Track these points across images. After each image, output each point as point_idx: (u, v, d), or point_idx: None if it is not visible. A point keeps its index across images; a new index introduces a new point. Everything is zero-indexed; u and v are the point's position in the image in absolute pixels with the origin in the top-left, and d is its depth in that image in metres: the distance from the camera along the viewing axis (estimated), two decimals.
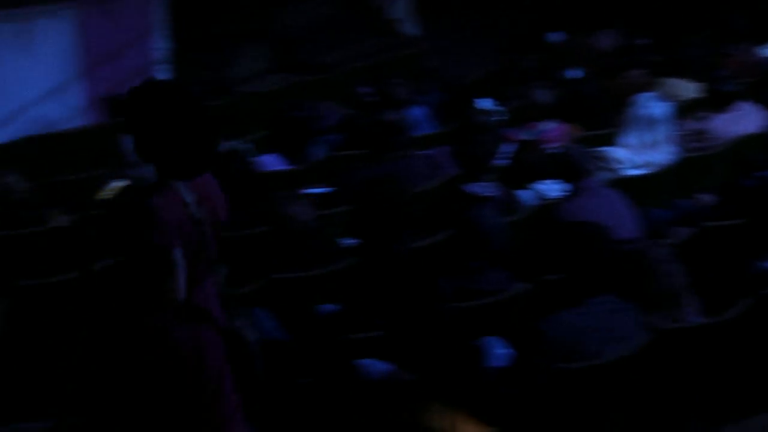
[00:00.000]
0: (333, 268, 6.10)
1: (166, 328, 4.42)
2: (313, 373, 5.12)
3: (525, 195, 7.31)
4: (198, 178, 4.48)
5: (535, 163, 7.55)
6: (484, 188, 6.87)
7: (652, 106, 8.38)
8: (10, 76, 10.71)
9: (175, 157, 4.40)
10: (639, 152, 8.30)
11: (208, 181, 4.57)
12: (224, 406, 4.59)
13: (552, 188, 7.31)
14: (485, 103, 8.82)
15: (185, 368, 4.47)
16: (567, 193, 7.02)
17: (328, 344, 5.37)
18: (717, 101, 8.91)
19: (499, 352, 5.18)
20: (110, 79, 11.25)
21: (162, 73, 11.61)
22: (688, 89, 9.62)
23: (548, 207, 7.02)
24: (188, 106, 4.40)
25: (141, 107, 4.39)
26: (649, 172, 8.08)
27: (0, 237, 6.88)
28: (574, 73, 10.20)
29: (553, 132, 8.62)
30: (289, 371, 5.00)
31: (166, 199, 4.35)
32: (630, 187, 7.37)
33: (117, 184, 7.46)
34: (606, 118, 8.76)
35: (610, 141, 8.31)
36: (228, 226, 6.17)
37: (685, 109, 8.90)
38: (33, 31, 10.87)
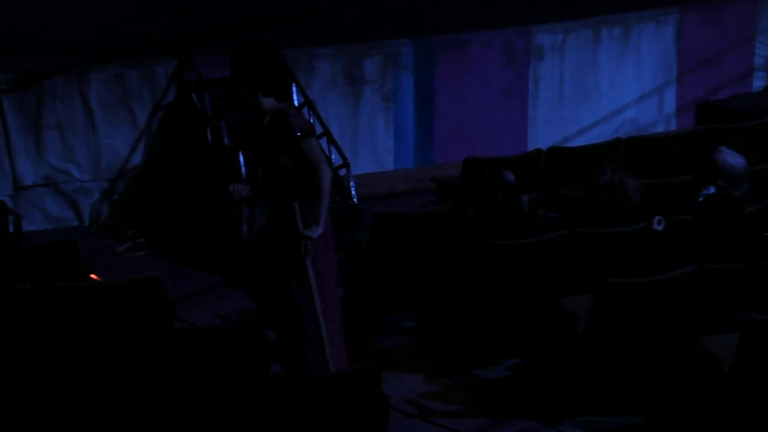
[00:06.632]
0: None
1: None
2: None
3: None
4: None
5: None
6: None
7: None
8: (606, 79, 10.97)
9: None
10: None
11: None
12: None
13: None
14: None
15: None
16: None
17: None
18: None
19: None
20: (705, 85, 11.21)
21: (760, 81, 11.38)
22: None
23: None
24: None
25: None
26: None
27: (603, 234, 7.10)
28: None
29: None
30: None
31: None
32: None
33: (707, 192, 7.38)
34: None
35: None
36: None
37: None
38: (632, 36, 11.05)
